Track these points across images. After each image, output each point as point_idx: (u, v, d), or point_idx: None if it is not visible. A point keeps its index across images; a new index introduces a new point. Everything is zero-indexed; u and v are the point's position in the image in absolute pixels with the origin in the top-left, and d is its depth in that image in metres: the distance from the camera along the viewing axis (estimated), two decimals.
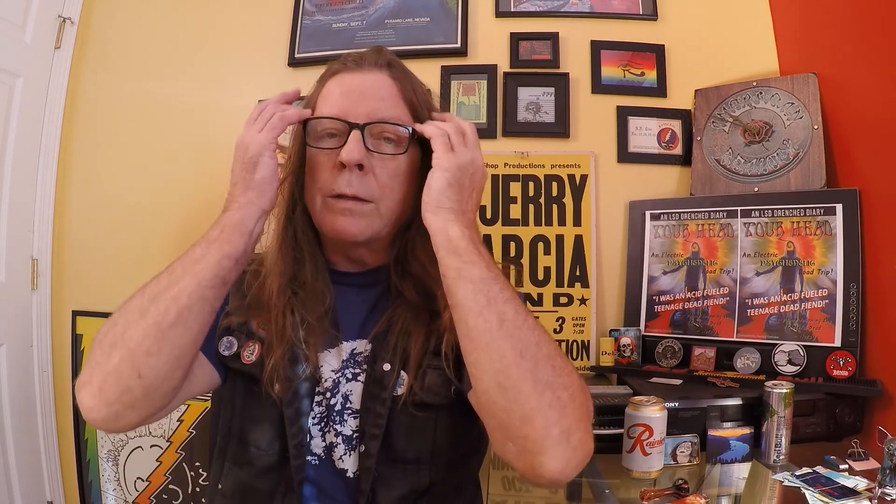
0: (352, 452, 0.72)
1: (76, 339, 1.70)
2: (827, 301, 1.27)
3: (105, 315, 1.65)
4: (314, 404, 0.73)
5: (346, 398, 0.73)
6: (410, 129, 0.73)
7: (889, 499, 0.87)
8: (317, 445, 0.73)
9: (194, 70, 1.73)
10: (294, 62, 1.68)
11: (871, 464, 1.00)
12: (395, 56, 0.80)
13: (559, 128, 1.61)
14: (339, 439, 0.73)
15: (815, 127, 1.40)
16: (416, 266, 0.75)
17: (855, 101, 1.33)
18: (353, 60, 0.77)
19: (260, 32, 1.72)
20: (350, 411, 0.73)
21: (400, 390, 0.72)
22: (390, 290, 0.78)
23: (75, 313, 1.71)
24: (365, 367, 0.74)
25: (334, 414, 0.73)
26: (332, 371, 0.74)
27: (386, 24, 1.68)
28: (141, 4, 1.76)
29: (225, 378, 0.76)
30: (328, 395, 0.74)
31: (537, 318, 0.62)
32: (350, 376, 0.74)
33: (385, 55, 0.79)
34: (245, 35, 1.72)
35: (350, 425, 0.73)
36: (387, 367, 0.73)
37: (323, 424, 0.73)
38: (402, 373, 0.73)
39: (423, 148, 0.75)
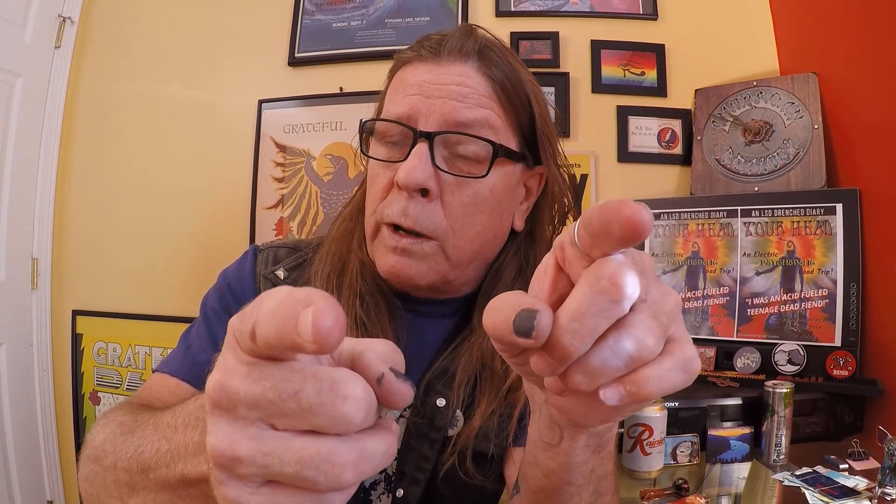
0: (390, 494, 0.61)
1: (76, 339, 1.70)
2: (827, 301, 1.27)
3: (105, 315, 1.68)
4: None
5: None
6: (495, 145, 0.55)
7: (889, 499, 0.87)
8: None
9: (194, 70, 1.73)
10: (294, 62, 1.68)
11: (871, 463, 1.00)
12: (497, 39, 0.60)
13: (559, 127, 1.58)
14: (381, 476, 0.61)
15: (816, 127, 1.40)
16: None
17: (855, 101, 1.33)
18: (430, 47, 0.57)
19: (260, 32, 1.71)
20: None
21: (451, 431, 0.60)
22: (469, 323, 0.63)
23: (75, 313, 1.71)
24: (415, 398, 0.60)
25: None
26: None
27: (386, 24, 1.68)
28: (141, 4, 1.76)
29: None
30: None
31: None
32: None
33: (476, 38, 0.58)
34: (245, 35, 1.72)
35: (392, 465, 0.61)
36: (441, 402, 0.59)
37: None
38: (458, 412, 0.60)
39: (516, 157, 0.59)
